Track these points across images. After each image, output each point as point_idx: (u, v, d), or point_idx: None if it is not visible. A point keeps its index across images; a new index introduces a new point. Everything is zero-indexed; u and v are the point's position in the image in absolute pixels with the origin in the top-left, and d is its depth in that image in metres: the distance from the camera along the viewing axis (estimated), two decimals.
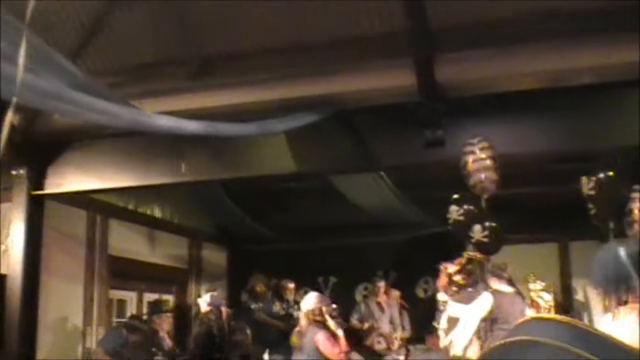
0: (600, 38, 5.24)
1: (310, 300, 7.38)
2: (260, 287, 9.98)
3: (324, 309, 7.31)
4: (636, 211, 5.58)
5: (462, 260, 6.87)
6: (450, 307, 7.27)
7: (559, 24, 5.34)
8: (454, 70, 5.52)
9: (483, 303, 6.46)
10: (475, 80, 5.71)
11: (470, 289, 6.80)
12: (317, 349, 7.08)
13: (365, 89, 5.61)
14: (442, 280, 7.11)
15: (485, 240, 6.11)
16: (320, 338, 7.07)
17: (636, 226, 5.60)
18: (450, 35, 5.42)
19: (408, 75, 5.42)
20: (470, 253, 6.97)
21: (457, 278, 6.94)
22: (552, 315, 1.33)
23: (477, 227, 6.04)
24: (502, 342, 1.20)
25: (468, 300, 6.40)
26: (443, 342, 6.33)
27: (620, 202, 5.78)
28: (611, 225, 5.81)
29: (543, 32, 5.36)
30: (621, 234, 5.79)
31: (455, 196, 6.62)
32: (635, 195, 5.66)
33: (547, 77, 5.69)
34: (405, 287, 9.98)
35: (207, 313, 8.62)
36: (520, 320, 1.26)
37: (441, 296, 7.75)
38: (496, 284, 7.30)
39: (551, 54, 5.39)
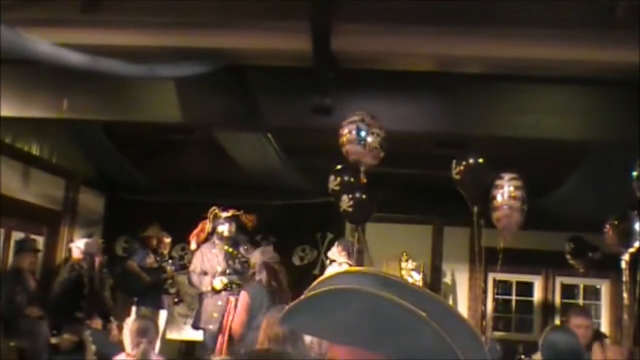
0: (491, 30, 5.40)
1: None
2: (155, 240, 9.76)
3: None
4: (498, 198, 5.82)
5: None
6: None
7: (457, 10, 5.45)
8: (350, 41, 5.55)
9: None
10: (370, 54, 5.78)
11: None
12: None
13: (259, 48, 5.57)
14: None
15: (350, 210, 6.23)
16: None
17: (497, 212, 5.85)
18: (351, 5, 5.44)
19: (304, 39, 5.40)
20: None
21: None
22: (356, 268, 1.33)
23: (344, 197, 6.15)
24: (312, 293, 1.18)
25: None
26: None
27: (488, 188, 6.02)
28: (475, 209, 6.03)
29: (441, 16, 5.47)
30: (487, 220, 6.04)
31: (338, 167, 6.72)
32: (499, 182, 5.90)
33: (437, 61, 5.84)
34: (282, 254, 10.02)
35: (79, 260, 8.37)
36: (324, 276, 1.25)
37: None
38: (336, 256, 7.59)
39: (444, 39, 5.51)
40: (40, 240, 9.56)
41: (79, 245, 8.42)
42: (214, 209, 7.75)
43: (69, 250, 9.07)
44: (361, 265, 8.44)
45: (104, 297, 8.71)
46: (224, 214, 7.78)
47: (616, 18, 5.02)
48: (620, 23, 5.04)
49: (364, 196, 6.18)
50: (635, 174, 5.49)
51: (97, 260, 8.60)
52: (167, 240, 9.84)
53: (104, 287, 8.86)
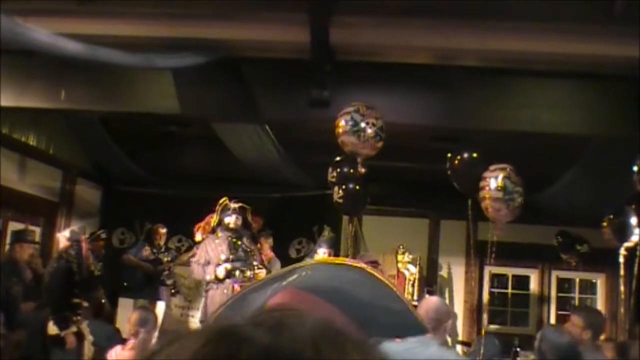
0: (489, 24, 5.39)
1: None
2: (160, 236, 9.77)
3: None
4: (487, 188, 5.82)
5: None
6: None
7: (455, 3, 5.44)
8: (348, 34, 5.54)
9: None
10: (368, 47, 5.77)
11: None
12: None
13: (257, 39, 5.55)
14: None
15: (340, 201, 6.24)
16: None
17: (484, 203, 5.85)
18: None
19: (302, 32, 5.39)
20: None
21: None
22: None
23: (336, 188, 6.16)
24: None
25: None
26: None
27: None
28: (469, 202, 6.04)
29: (439, 9, 5.46)
30: (482, 213, 6.04)
31: (337, 159, 6.73)
32: (487, 174, 5.90)
33: (435, 54, 5.82)
34: (279, 246, 10.01)
35: (66, 248, 8.37)
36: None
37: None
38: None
39: (442, 32, 5.50)
40: (36, 231, 9.54)
41: (65, 234, 8.43)
42: (225, 200, 7.73)
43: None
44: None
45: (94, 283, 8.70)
46: (233, 205, 7.76)
47: (615, 12, 5.01)
48: (619, 17, 5.03)
49: (356, 187, 6.17)
50: (636, 168, 5.49)
51: (84, 246, 8.58)
52: (163, 231, 9.82)
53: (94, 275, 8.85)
